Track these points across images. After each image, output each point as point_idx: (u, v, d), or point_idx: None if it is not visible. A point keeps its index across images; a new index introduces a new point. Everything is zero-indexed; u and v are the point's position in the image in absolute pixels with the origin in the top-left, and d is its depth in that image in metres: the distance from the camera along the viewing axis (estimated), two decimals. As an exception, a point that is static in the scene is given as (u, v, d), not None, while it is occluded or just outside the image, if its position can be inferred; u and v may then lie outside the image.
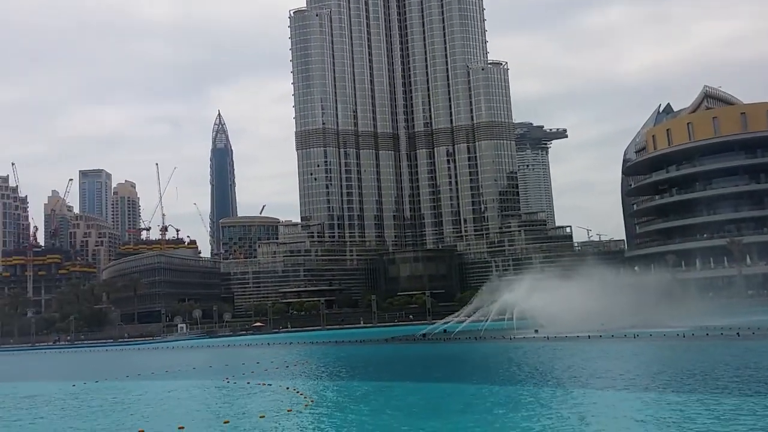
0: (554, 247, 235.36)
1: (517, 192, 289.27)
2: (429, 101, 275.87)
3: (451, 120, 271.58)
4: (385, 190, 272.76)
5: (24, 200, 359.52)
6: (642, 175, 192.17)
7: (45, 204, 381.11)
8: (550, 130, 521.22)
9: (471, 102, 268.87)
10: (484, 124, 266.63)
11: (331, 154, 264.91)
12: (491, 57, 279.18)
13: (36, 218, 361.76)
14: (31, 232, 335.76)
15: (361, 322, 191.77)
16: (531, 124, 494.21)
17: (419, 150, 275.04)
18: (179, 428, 27.43)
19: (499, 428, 25.86)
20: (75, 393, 47.38)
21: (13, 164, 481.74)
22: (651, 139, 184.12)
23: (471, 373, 48.06)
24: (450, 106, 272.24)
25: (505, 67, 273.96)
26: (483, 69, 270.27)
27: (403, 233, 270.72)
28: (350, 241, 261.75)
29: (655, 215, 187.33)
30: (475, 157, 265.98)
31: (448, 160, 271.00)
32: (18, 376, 74.41)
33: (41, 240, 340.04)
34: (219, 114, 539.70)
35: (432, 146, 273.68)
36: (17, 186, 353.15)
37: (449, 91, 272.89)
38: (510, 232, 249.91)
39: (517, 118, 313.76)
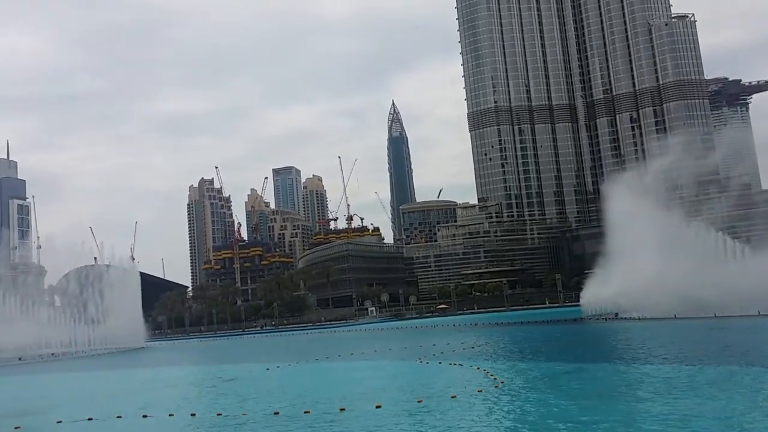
0: (762, 213, 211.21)
1: (715, 155, 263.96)
2: (607, 66, 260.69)
3: (634, 83, 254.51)
4: (564, 164, 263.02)
5: (228, 200, 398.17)
6: None
7: (245, 202, 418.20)
8: (750, 83, 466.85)
9: (655, 62, 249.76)
10: (672, 84, 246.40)
11: (505, 132, 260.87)
12: (675, 10, 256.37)
13: (239, 215, 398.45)
14: (236, 228, 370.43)
15: (547, 302, 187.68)
16: (726, 79, 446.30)
17: (599, 119, 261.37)
18: (376, 406, 28.91)
19: (716, 409, 24.10)
20: (279, 374, 51.76)
21: (216, 168, 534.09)
22: None
23: (669, 352, 45.05)
24: (631, 68, 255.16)
25: (692, 19, 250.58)
26: (666, 24, 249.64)
27: (586, 208, 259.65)
28: (530, 220, 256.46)
29: None
30: (663, 120, 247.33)
31: (633, 127, 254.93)
32: (230, 358, 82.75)
33: (244, 234, 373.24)
34: (393, 103, 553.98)
35: (613, 113, 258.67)
36: (221, 187, 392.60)
37: (629, 53, 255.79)
38: (708, 199, 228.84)
39: (709, 74, 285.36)
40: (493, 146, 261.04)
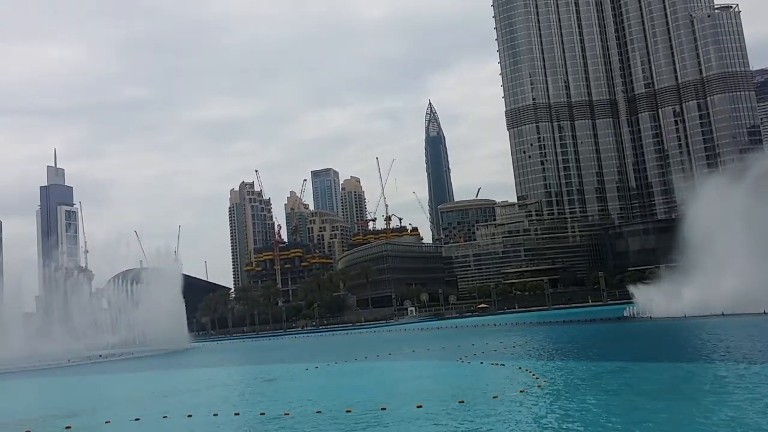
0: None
1: (762, 148, 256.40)
2: (649, 59, 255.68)
3: (676, 76, 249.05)
4: (606, 160, 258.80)
5: (267, 202, 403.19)
6: None
7: (285, 204, 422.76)
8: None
9: (698, 54, 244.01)
10: (716, 77, 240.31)
11: (543, 130, 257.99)
12: (718, 1, 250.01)
13: (278, 217, 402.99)
14: (276, 230, 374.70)
15: (590, 300, 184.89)
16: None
17: (641, 113, 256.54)
18: (417, 406, 28.88)
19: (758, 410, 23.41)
20: (320, 374, 52.12)
21: (256, 171, 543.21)
22: None
23: (717, 352, 43.85)
24: (674, 61, 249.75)
25: (736, 9, 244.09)
26: (709, 16, 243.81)
27: (629, 204, 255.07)
28: (571, 217, 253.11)
29: None
30: (708, 114, 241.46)
31: (676, 121, 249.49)
32: (271, 359, 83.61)
33: (284, 236, 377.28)
34: (429, 103, 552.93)
35: (655, 107, 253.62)
36: (261, 190, 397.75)
37: (671, 45, 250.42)
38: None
39: (755, 65, 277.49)
40: (532, 144, 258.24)
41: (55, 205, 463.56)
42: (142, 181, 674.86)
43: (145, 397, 46.13)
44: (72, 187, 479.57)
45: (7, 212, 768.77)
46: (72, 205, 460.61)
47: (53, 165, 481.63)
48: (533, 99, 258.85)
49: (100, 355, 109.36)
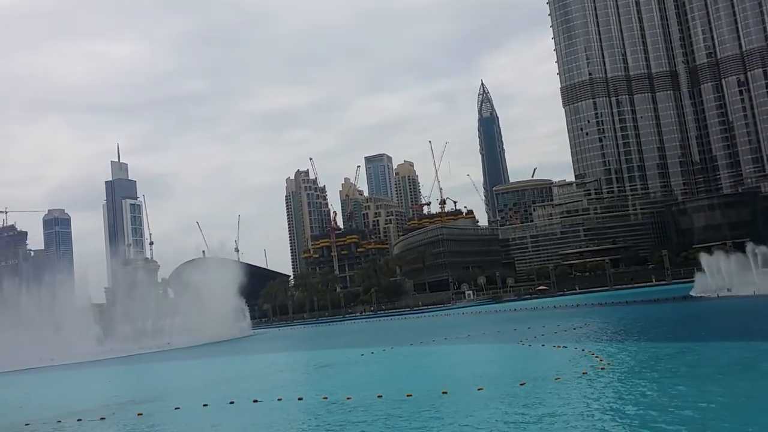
0: None
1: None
2: (710, 28, 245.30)
3: (740, 44, 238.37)
4: (667, 134, 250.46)
5: (323, 190, 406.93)
6: None
7: (339, 191, 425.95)
8: None
9: (764, 20, 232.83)
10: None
11: (601, 105, 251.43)
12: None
13: (334, 204, 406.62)
14: (332, 217, 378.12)
15: (653, 279, 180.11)
16: None
17: (703, 84, 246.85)
18: (478, 389, 28.85)
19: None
20: (380, 358, 52.57)
21: (311, 159, 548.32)
22: None
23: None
24: (737, 29, 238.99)
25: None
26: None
27: (692, 179, 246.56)
28: (632, 195, 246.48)
29: None
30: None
31: (741, 91, 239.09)
32: (331, 344, 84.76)
33: (340, 223, 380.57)
34: (482, 84, 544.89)
35: (719, 78, 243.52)
36: (316, 178, 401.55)
37: (734, 12, 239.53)
38: None
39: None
40: (589, 120, 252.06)
41: (120, 198, 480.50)
42: (202, 172, 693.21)
43: (211, 383, 47.59)
44: (135, 181, 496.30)
45: (75, 208, 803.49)
46: (136, 198, 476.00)
47: (117, 160, 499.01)
48: (589, 74, 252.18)
49: (168, 343, 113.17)
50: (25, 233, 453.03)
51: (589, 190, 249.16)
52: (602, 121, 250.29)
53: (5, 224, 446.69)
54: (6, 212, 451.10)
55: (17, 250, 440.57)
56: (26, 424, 31.24)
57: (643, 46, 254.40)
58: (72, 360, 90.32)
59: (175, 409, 33.17)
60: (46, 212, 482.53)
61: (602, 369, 32.10)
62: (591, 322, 71.34)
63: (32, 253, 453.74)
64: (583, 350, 40.38)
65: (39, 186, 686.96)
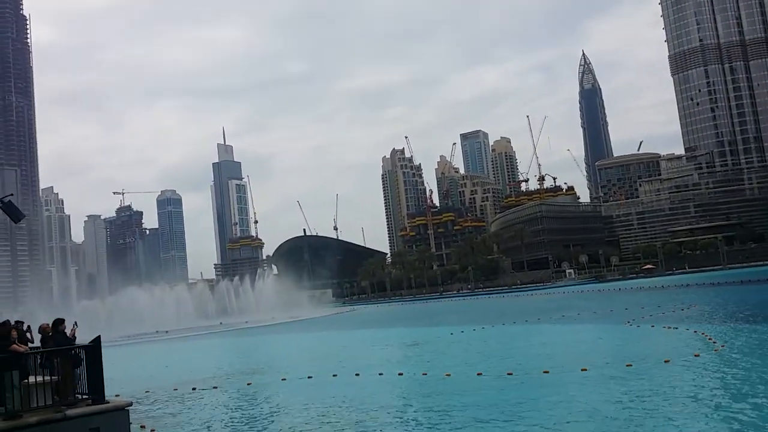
0: None
1: None
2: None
3: None
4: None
5: (418, 168, 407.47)
6: None
7: (435, 168, 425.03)
8: None
9: None
10: None
11: (713, 73, 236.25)
12: None
13: (430, 182, 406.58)
14: (428, 195, 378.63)
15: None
16: None
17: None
18: (582, 369, 28.24)
19: None
20: (480, 336, 52.48)
21: (406, 137, 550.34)
22: None
23: None
24: None
25: None
26: None
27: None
28: (747, 168, 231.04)
29: None
30: None
31: None
32: (432, 321, 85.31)
33: (436, 201, 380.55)
34: (583, 54, 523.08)
35: None
36: (411, 156, 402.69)
37: None
38: None
39: None
40: (700, 89, 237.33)
41: (227, 179, 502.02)
42: (302, 153, 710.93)
43: (314, 357, 49.22)
44: (240, 163, 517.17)
45: (186, 189, 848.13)
46: (241, 179, 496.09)
47: (222, 142, 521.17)
48: (700, 40, 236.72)
49: (273, 317, 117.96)
50: (141, 213, 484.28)
51: (701, 163, 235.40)
52: (714, 90, 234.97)
53: (122, 204, 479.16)
54: (123, 193, 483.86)
55: (134, 229, 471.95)
56: (146, 391, 33.59)
57: (760, 8, 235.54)
58: (185, 333, 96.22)
59: (282, 380, 34.62)
60: (159, 193, 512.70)
61: (716, 351, 30.61)
62: (703, 302, 67.87)
63: (147, 232, 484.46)
64: (695, 332, 38.58)
65: (152, 168, 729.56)
